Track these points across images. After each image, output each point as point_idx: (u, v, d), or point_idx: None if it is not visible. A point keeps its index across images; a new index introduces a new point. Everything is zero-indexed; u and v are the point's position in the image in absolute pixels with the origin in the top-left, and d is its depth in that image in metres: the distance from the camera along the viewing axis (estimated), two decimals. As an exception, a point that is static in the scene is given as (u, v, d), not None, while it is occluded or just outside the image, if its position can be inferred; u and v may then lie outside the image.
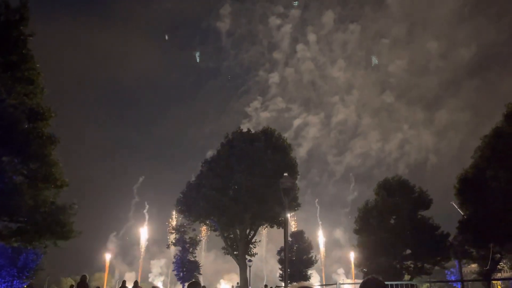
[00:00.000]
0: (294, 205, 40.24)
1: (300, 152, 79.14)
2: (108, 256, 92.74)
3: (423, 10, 77.00)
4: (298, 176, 41.67)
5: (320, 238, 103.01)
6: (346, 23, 76.24)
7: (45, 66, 19.46)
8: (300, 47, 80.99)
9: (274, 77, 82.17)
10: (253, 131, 41.66)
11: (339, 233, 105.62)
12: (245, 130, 41.26)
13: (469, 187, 29.18)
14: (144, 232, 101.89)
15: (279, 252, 49.10)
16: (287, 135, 73.25)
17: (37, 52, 18.42)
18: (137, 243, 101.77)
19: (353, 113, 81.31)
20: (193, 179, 41.77)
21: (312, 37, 79.33)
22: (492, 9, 76.32)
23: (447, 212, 40.18)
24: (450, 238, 34.17)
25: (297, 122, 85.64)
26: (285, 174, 29.59)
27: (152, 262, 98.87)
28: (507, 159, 26.27)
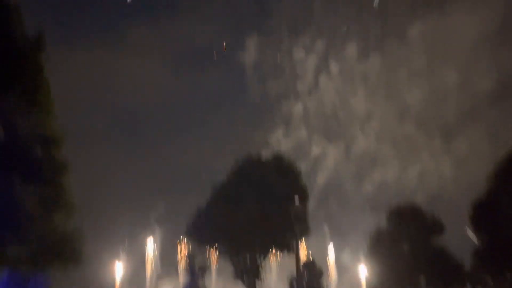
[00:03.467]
0: (305, 231, 39.72)
1: (319, 181, 78.65)
2: (116, 279, 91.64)
3: (443, 42, 77.53)
4: (314, 205, 41.42)
5: (332, 266, 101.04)
6: (367, 54, 76.95)
7: (59, 93, 19.87)
8: (323, 78, 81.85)
9: (298, 108, 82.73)
10: (263, 157, 41.65)
11: (352, 261, 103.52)
12: (255, 156, 41.24)
13: (483, 214, 28.69)
14: (151, 258, 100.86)
15: (290, 282, 48.18)
16: (307, 164, 73.08)
17: (52, 79, 18.89)
18: (145, 268, 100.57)
19: (373, 143, 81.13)
20: (203, 204, 41.59)
21: (334, 69, 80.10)
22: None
23: (463, 240, 39.32)
24: (466, 266, 33.39)
25: (317, 151, 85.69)
26: (297, 200, 29.37)
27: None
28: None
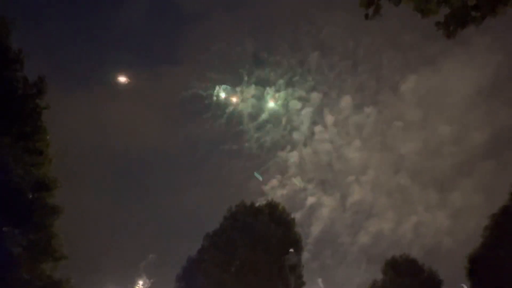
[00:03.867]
0: (299, 282, 38.76)
1: (314, 232, 78.16)
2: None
3: (436, 97, 79.96)
4: (308, 256, 40.72)
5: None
6: (362, 107, 78.95)
7: (54, 135, 19.96)
8: (318, 129, 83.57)
9: (293, 157, 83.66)
10: (257, 205, 41.38)
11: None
12: (248, 203, 41.01)
13: (480, 268, 28.32)
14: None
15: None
16: (301, 214, 72.63)
17: (48, 121, 19.05)
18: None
19: (368, 194, 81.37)
20: (195, 253, 40.78)
21: (330, 120, 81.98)
22: (505, 95, 79.44)
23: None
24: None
25: (312, 201, 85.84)
26: (291, 250, 28.91)
27: None
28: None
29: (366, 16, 7.27)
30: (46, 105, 18.53)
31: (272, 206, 40.38)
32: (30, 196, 18.07)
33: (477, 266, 28.58)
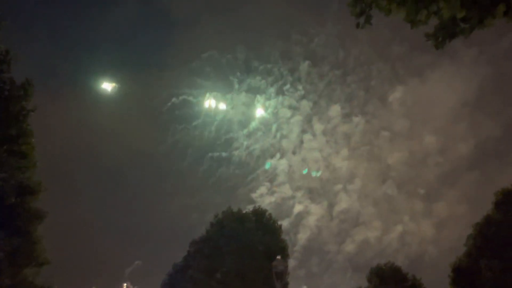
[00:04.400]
0: (284, 290, 38.63)
1: (300, 240, 78.51)
2: None
3: (423, 108, 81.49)
4: (294, 263, 40.65)
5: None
6: (351, 117, 79.92)
7: (40, 139, 19.69)
8: (307, 137, 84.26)
9: (283, 165, 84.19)
10: (244, 211, 41.23)
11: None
12: (235, 209, 40.85)
13: (463, 277, 28.58)
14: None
15: None
16: (289, 222, 72.91)
17: (34, 124, 18.76)
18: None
19: (355, 203, 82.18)
20: (180, 260, 40.38)
21: (319, 128, 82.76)
22: (489, 107, 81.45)
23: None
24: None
25: (299, 209, 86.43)
26: (278, 257, 28.85)
27: None
28: (499, 248, 26.16)
29: (357, 25, 7.36)
30: (33, 107, 18.26)
31: (259, 213, 40.29)
32: (13, 200, 17.73)
33: (460, 274, 28.84)
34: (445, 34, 7.09)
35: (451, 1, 6.03)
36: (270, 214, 41.07)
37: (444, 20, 6.81)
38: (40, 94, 19.76)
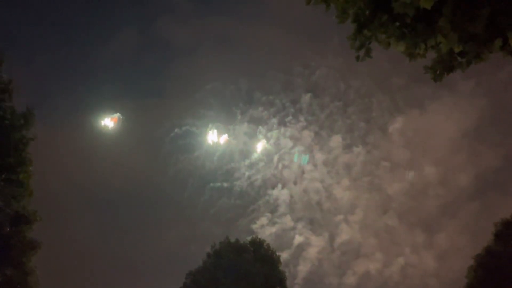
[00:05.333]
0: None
1: (301, 272, 77.48)
2: None
3: (423, 138, 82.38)
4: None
5: None
6: (352, 147, 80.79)
7: (38, 167, 19.58)
8: (308, 167, 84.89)
9: (284, 195, 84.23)
10: (241, 242, 40.72)
11: None
12: (233, 240, 40.34)
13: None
14: None
15: None
16: (289, 253, 72.24)
17: (32, 152, 18.70)
18: None
19: (357, 234, 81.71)
20: (176, 290, 39.53)
21: (320, 159, 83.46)
22: (488, 138, 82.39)
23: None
24: None
25: (300, 241, 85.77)
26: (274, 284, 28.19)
27: None
28: (500, 279, 25.85)
29: (357, 58, 7.50)
30: (33, 136, 18.30)
31: (257, 244, 39.81)
32: (8, 229, 17.50)
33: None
34: (443, 68, 7.22)
35: (448, 36, 6.16)
36: (268, 244, 40.58)
37: (442, 54, 6.95)
38: (38, 122, 19.79)
